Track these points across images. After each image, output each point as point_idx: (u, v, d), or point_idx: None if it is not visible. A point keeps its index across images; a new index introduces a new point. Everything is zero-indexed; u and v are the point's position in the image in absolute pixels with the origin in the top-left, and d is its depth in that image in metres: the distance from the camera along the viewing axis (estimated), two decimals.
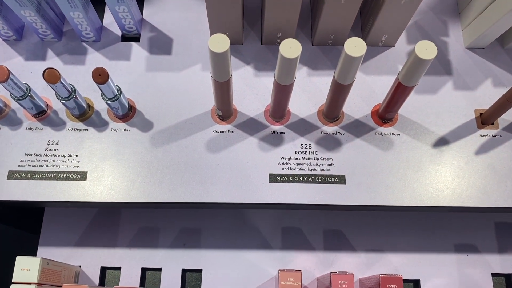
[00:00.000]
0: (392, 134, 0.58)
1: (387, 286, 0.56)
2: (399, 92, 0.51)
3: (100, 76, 0.50)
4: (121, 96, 0.55)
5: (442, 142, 0.58)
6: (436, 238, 0.68)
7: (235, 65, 0.61)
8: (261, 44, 0.63)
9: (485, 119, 0.58)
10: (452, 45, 0.63)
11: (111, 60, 0.62)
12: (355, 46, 0.44)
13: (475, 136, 0.58)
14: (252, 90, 0.60)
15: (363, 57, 0.44)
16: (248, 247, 0.68)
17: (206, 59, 0.61)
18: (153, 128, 0.58)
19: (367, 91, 0.60)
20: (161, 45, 0.63)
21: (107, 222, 0.69)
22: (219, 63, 0.46)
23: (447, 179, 0.56)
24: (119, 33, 0.64)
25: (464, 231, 0.69)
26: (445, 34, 0.64)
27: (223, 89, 0.51)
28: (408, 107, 0.60)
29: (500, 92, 0.60)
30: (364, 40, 0.62)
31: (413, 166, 0.57)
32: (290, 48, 0.44)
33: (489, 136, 0.58)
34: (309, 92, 0.60)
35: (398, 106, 0.55)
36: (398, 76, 0.50)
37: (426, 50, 0.44)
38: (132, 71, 0.61)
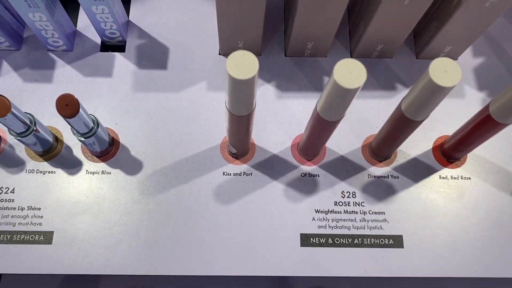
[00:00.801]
0: (461, 178, 0.44)
1: None
2: (486, 129, 0.37)
3: (68, 107, 0.35)
4: (99, 129, 0.40)
5: None
6: None
7: None
8: (285, 55, 0.48)
9: None
10: None
11: (86, 76, 0.47)
12: (445, 71, 0.29)
13: None
14: (274, 116, 0.46)
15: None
16: None
17: (213, 76, 0.47)
18: (142, 170, 0.43)
19: (427, 120, 0.46)
20: (153, 56, 0.48)
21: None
22: (242, 93, 0.31)
23: None
24: (98, 40, 0.48)
25: None
26: None
27: (241, 124, 0.36)
28: None
29: None
30: (420, 52, 0.48)
31: (493, 222, 0.43)
32: (350, 73, 0.29)
33: None
34: (352, 119, 0.46)
35: (477, 145, 0.40)
36: (489, 106, 0.35)
37: None
38: (114, 91, 0.46)
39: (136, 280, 0.53)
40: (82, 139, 0.39)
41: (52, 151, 0.44)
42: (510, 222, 0.43)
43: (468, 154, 0.45)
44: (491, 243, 0.42)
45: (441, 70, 0.29)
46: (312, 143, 0.40)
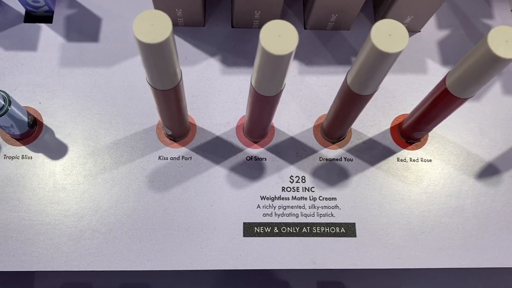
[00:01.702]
0: (421, 160, 0.40)
1: None
2: (443, 105, 0.33)
3: None
4: (12, 107, 0.35)
5: (491, 171, 0.40)
6: None
7: (193, 58, 0.42)
8: (232, 27, 0.43)
9: None
10: None
11: (7, 50, 0.42)
12: (389, 35, 0.25)
13: None
14: (218, 94, 0.41)
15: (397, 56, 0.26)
16: None
17: None
18: (67, 154, 0.39)
19: (384, 97, 0.42)
20: (83, 27, 0.43)
21: None
22: (157, 60, 0.27)
23: (500, 226, 0.39)
24: (22, 10, 0.43)
25: None
26: (489, 15, 0.46)
27: (168, 100, 0.32)
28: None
29: None
30: None
31: (453, 207, 0.39)
32: (279, 37, 0.25)
33: None
34: (301, 98, 0.42)
35: (435, 124, 0.37)
36: (445, 80, 0.32)
37: (507, 42, 0.26)
38: (39, 67, 0.41)
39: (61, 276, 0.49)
40: None
41: None
42: (473, 208, 0.39)
43: (429, 135, 0.41)
44: (452, 231, 0.39)
45: (385, 33, 0.25)
46: (255, 122, 0.36)
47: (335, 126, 0.37)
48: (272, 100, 0.31)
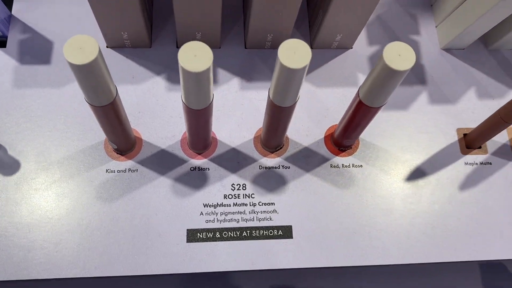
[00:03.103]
0: (352, 166, 0.44)
1: None
2: (360, 114, 0.37)
3: None
4: None
5: (418, 174, 0.44)
6: None
7: (139, 77, 0.45)
8: (177, 47, 0.47)
9: (471, 142, 0.45)
10: (425, 46, 0.49)
11: None
12: (294, 53, 0.29)
13: (459, 165, 0.45)
14: (164, 110, 0.44)
15: (306, 69, 0.29)
16: None
17: None
18: (19, 170, 0.41)
19: (318, 109, 0.46)
20: (36, 51, 0.45)
21: None
22: (88, 79, 0.29)
23: (426, 224, 0.42)
24: None
25: None
26: (415, 31, 0.50)
27: (107, 115, 0.35)
28: (372, 129, 0.45)
29: (487, 104, 0.47)
30: (313, 40, 0.47)
31: (383, 208, 0.42)
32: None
33: (476, 164, 0.45)
34: (242, 111, 0.45)
35: (359, 132, 0.40)
36: (358, 92, 0.35)
37: (400, 56, 0.30)
38: None
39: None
40: None
41: None
42: (402, 207, 0.42)
43: (361, 142, 0.45)
44: (382, 231, 0.42)
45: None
46: (194, 134, 0.39)
47: (269, 135, 0.40)
48: (201, 113, 0.34)
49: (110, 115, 0.34)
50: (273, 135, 0.40)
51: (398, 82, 0.31)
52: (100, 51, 0.28)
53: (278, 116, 0.36)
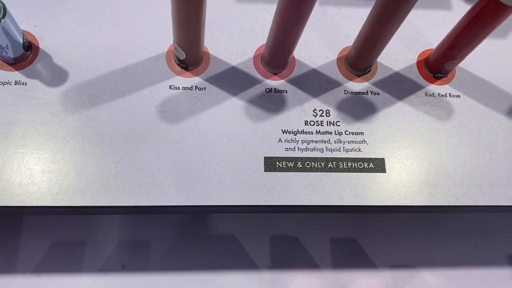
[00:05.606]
0: (449, 96, 0.38)
1: None
2: (485, 18, 0.31)
3: None
4: (7, 19, 0.31)
5: None
6: (486, 248, 0.49)
7: None
8: None
9: None
10: None
11: None
12: None
13: None
14: (234, 22, 0.38)
15: None
16: (220, 267, 0.46)
17: None
18: (67, 81, 0.35)
19: (409, 32, 0.40)
20: None
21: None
22: None
23: None
24: None
25: None
26: None
27: (190, 10, 0.28)
28: (469, 56, 0.39)
29: None
30: None
31: (484, 144, 0.37)
32: None
33: None
34: (324, 28, 0.39)
35: (471, 47, 0.34)
36: None
37: None
38: None
39: (66, 227, 0.45)
40: None
41: None
42: (504, 144, 0.37)
43: (457, 70, 0.39)
44: (484, 168, 0.36)
45: None
46: (280, 41, 0.33)
47: (365, 51, 0.34)
48: (304, 13, 0.28)
49: (194, 9, 0.28)
50: (371, 50, 0.34)
51: None
52: None
53: (390, 17, 0.30)
